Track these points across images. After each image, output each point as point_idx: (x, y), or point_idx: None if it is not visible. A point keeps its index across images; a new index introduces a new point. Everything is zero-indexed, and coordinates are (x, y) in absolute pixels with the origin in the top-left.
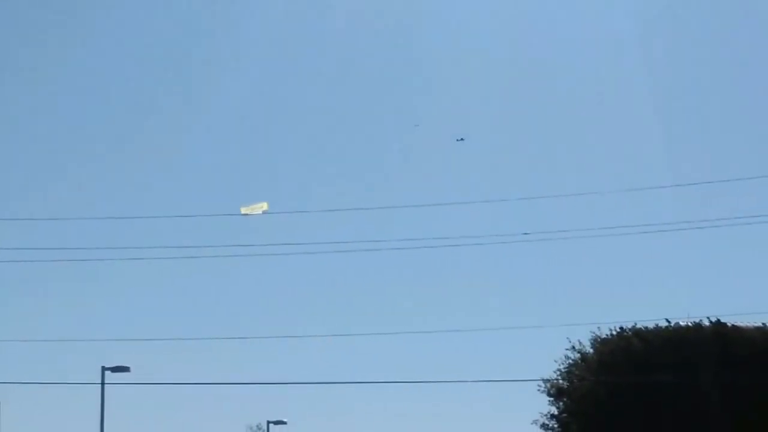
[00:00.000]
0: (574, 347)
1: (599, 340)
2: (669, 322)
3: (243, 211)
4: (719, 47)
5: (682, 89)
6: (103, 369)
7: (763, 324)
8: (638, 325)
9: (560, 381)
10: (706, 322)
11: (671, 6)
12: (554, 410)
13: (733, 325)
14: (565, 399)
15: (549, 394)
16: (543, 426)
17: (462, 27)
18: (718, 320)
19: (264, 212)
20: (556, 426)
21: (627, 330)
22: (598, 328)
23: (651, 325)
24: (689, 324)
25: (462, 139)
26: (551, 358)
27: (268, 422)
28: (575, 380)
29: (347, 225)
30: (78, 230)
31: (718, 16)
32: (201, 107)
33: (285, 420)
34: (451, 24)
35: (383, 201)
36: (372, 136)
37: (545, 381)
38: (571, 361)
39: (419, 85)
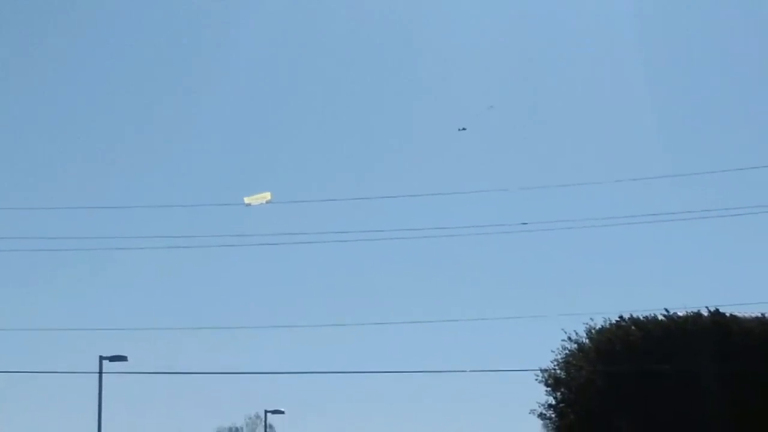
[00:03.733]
0: (570, 338)
1: (596, 329)
2: (668, 311)
3: (246, 201)
4: (717, 40)
5: (680, 81)
6: (101, 358)
7: (761, 314)
8: (637, 315)
9: (558, 371)
10: (705, 312)
11: (670, 1)
12: (552, 400)
13: (731, 315)
14: (562, 389)
15: (547, 384)
16: (540, 416)
17: (463, 21)
18: (717, 310)
19: (267, 202)
20: (553, 416)
21: (625, 319)
22: (591, 318)
23: (649, 315)
24: (688, 314)
25: (464, 129)
26: (549, 348)
27: (266, 411)
28: (573, 370)
29: (348, 215)
30: (77, 220)
31: (715, 10)
32: (205, 98)
33: (283, 409)
34: (453, 18)
35: (384, 191)
36: (374, 126)
37: (543, 371)
38: (568, 351)
39: (421, 77)
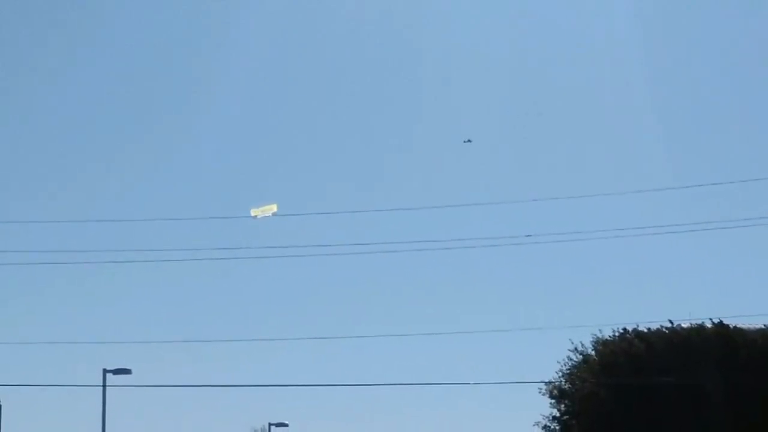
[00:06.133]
0: (576, 349)
1: (601, 341)
2: (671, 323)
3: (253, 212)
4: (720, 48)
5: (683, 91)
6: (105, 371)
7: (765, 325)
8: (640, 327)
9: (562, 383)
10: (709, 324)
11: (671, 6)
12: (556, 412)
13: (735, 326)
14: (566, 401)
15: (551, 396)
16: (545, 428)
17: (465, 29)
18: (721, 322)
19: (274, 214)
20: (557, 428)
21: (629, 331)
22: (600, 330)
23: (653, 327)
24: (691, 325)
25: (470, 141)
26: (553, 360)
27: (270, 424)
28: (577, 382)
29: (355, 227)
30: (81, 232)
31: (718, 16)
32: (210, 109)
33: (286, 422)
34: (454, 27)
35: (390, 203)
36: (381, 138)
37: (547, 383)
38: (573, 362)
39: (425, 89)
